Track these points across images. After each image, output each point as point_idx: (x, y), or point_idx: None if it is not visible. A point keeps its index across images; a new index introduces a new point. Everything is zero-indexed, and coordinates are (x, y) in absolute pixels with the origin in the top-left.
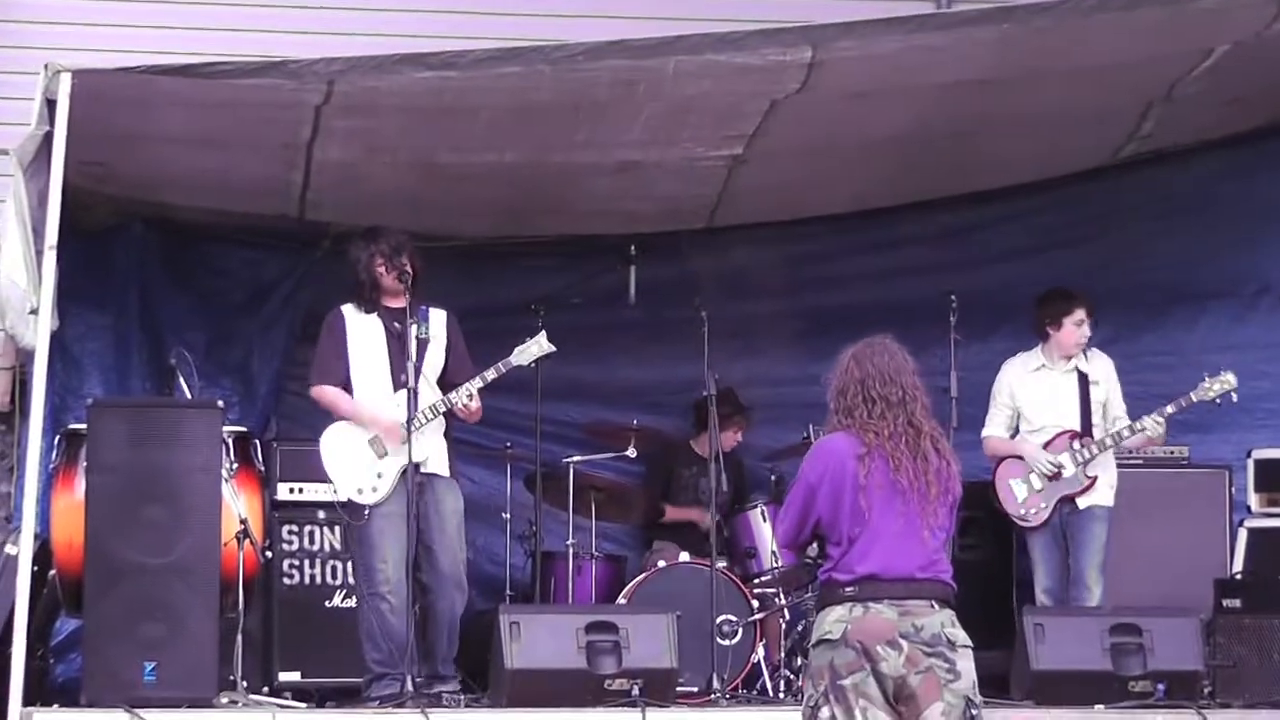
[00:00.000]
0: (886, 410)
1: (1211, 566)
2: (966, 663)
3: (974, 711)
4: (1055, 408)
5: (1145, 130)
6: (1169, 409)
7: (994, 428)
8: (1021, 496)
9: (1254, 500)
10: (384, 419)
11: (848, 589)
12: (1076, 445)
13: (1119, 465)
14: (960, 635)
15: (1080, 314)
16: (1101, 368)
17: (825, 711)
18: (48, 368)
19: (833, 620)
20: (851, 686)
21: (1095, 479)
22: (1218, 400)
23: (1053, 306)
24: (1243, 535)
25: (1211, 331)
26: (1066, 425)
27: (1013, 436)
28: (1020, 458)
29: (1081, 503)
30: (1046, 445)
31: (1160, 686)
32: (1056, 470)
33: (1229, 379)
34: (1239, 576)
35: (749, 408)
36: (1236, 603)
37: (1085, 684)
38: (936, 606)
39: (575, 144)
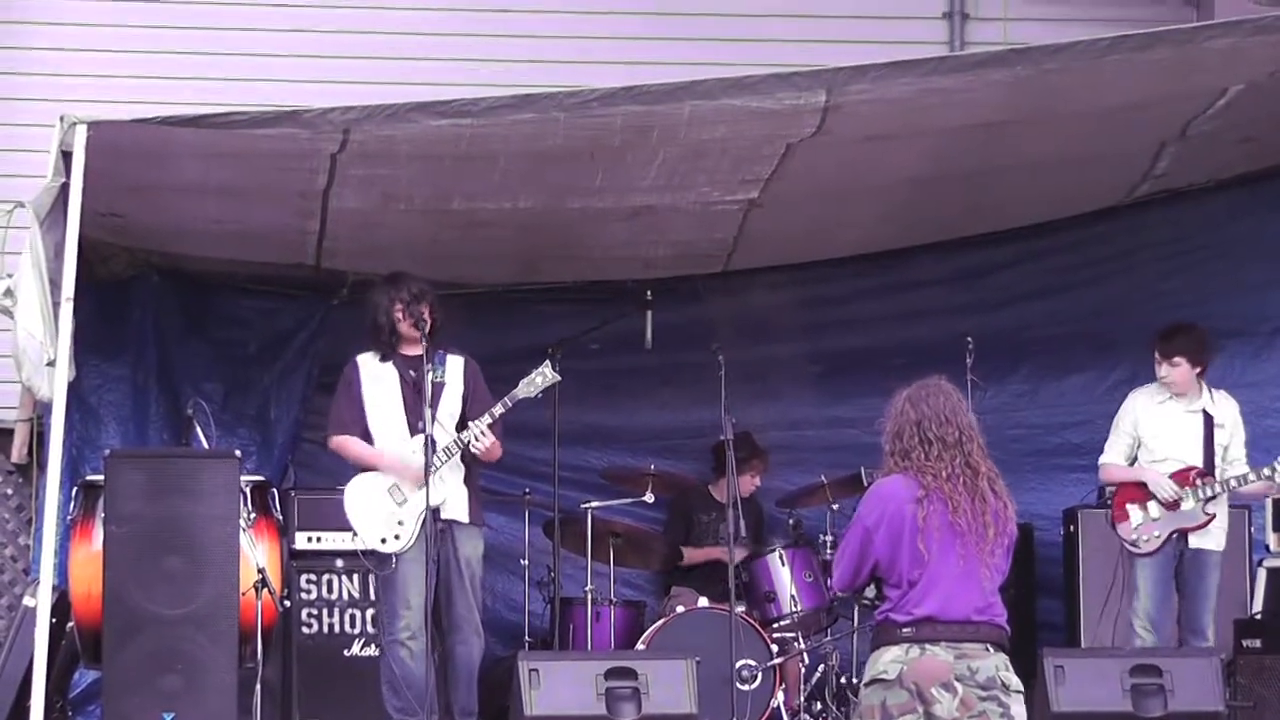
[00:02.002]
0: (943, 451)
1: (1231, 606)
2: (1020, 707)
3: None
4: (1178, 443)
5: (1160, 170)
6: None
7: (1113, 455)
8: (1136, 522)
9: (1273, 540)
10: (408, 463)
11: (905, 629)
12: (1200, 482)
13: None
14: (1014, 680)
15: (1157, 355)
16: (1227, 411)
17: None
18: (65, 419)
19: (888, 660)
20: None
21: (1213, 516)
22: None
23: (1156, 348)
24: (1262, 575)
25: (1229, 369)
26: (1189, 461)
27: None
28: (1142, 484)
29: (1195, 541)
30: (1171, 477)
31: None
32: (1176, 498)
33: None
34: (1259, 616)
35: (766, 451)
36: (1257, 643)
37: None
38: (992, 650)
39: (590, 190)
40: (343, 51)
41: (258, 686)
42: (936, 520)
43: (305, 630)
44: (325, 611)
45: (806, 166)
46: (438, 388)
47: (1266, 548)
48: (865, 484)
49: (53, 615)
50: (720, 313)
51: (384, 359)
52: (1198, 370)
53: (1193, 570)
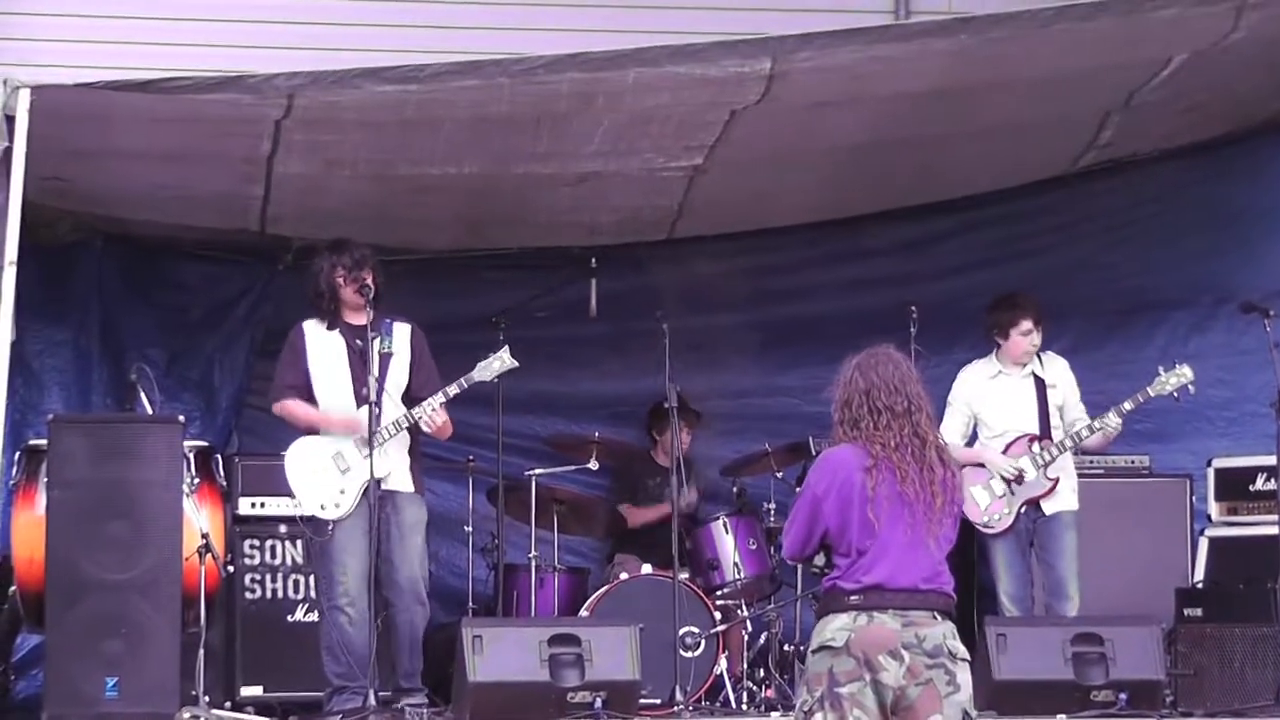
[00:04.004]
0: (892, 420)
1: (1173, 576)
2: (966, 675)
3: None
4: (1014, 413)
5: (1104, 139)
6: (1126, 405)
7: (949, 434)
8: (985, 503)
9: (1215, 509)
10: (354, 418)
11: (853, 597)
12: (1036, 448)
13: (1080, 475)
14: (960, 648)
15: (1026, 324)
16: (1057, 371)
17: (818, 718)
18: (7, 384)
19: (836, 628)
20: (848, 695)
21: (1057, 481)
22: (1175, 395)
23: (999, 316)
24: (1204, 544)
25: (1173, 340)
26: (1025, 429)
27: (969, 443)
28: (981, 465)
29: (1048, 508)
30: (1006, 450)
31: (1122, 696)
32: (1018, 474)
33: (1185, 371)
34: (1200, 586)
35: (694, 410)
36: (1198, 612)
37: (1047, 694)
38: (939, 618)
39: (535, 156)
40: (288, 17)
41: (201, 652)
42: (885, 489)
43: (249, 596)
44: (269, 577)
45: (751, 133)
46: (385, 358)
47: (1208, 517)
48: (814, 453)
49: None
50: (665, 281)
51: (330, 327)
52: None
53: (1047, 535)
